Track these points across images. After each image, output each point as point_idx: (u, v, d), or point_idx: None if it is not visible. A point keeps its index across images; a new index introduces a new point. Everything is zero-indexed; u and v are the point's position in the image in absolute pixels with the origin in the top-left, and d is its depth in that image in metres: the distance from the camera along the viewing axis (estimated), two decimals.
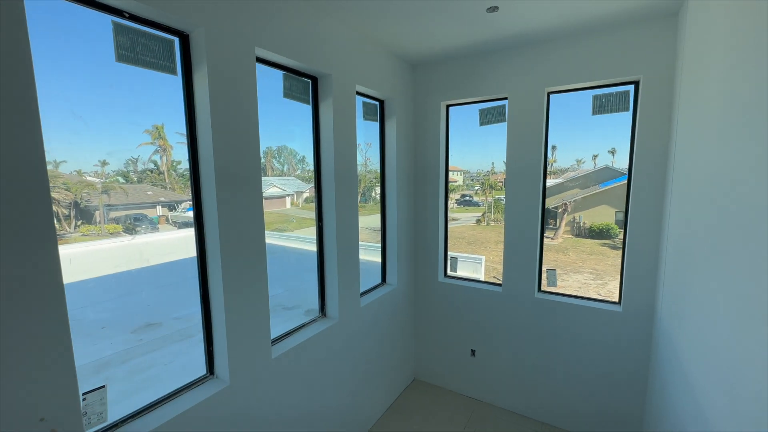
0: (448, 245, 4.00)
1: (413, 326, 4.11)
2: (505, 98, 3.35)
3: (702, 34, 2.06)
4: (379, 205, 3.71)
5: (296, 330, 2.67)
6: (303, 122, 2.78)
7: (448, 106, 3.74)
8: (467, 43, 3.10)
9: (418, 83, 3.74)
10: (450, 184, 3.96)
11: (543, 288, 3.46)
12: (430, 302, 4.00)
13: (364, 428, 3.38)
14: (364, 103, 3.32)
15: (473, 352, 3.79)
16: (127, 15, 1.62)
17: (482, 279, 5.06)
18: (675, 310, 2.32)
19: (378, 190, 3.73)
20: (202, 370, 2.09)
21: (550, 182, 3.27)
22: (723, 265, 1.59)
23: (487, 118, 3.50)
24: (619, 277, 3.14)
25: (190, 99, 1.89)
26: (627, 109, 2.90)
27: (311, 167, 2.85)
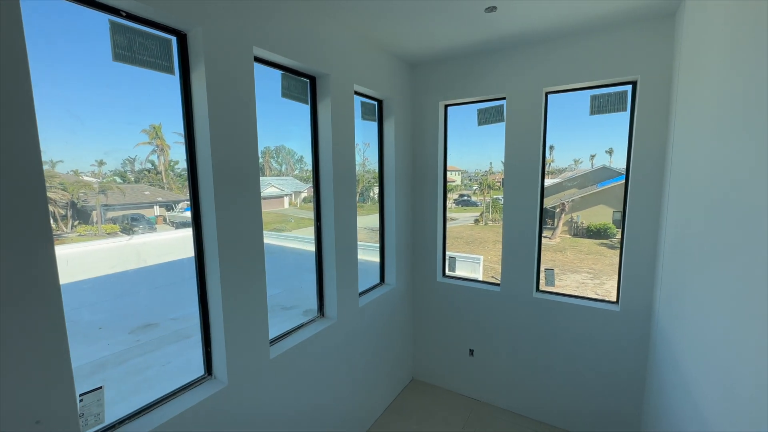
0: (447, 245, 4.01)
1: (411, 326, 4.11)
2: (503, 98, 3.35)
3: (699, 34, 2.06)
4: (377, 204, 3.71)
5: (295, 330, 2.67)
6: (301, 122, 2.77)
7: (446, 106, 3.74)
8: (465, 43, 3.10)
9: (416, 83, 3.74)
10: (448, 183, 3.96)
11: (541, 288, 3.47)
12: (428, 302, 4.00)
13: (363, 428, 3.38)
14: (363, 103, 3.31)
15: (471, 351, 3.79)
16: (124, 14, 1.61)
17: (480, 279, 5.06)
18: (672, 309, 2.33)
19: (376, 189, 3.73)
20: (200, 371, 2.08)
21: (547, 182, 3.28)
22: (720, 264, 1.59)
23: (486, 118, 3.50)
24: (616, 276, 3.15)
25: (187, 98, 1.88)
26: (625, 109, 2.91)
27: (309, 167, 2.85)
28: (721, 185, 1.62)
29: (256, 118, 2.12)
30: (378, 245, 3.75)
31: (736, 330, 1.42)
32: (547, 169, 3.34)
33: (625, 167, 2.99)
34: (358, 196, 3.15)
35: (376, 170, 3.66)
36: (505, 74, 3.27)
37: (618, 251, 3.09)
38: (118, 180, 3.16)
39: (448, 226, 4.02)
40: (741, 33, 1.51)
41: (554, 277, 3.44)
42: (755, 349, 1.25)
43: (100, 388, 1.58)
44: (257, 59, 2.21)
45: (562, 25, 2.77)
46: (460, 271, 4.19)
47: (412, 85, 3.76)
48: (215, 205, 1.90)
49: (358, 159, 3.12)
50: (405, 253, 3.86)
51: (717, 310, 1.61)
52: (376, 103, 3.48)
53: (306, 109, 2.72)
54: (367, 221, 4.10)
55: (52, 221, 1.34)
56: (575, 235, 14.84)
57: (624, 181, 3.00)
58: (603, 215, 14.44)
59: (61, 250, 1.36)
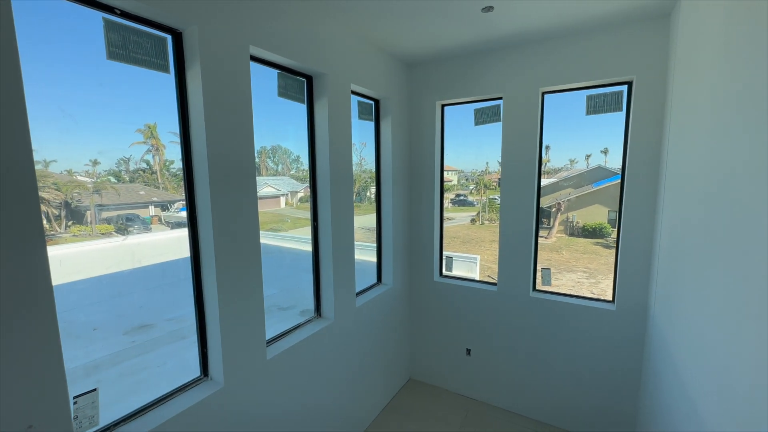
0: (443, 245, 4.01)
1: (409, 326, 4.11)
2: (500, 98, 3.36)
3: (694, 34, 2.08)
4: (374, 204, 3.71)
5: (291, 331, 2.66)
6: (298, 121, 2.76)
7: (443, 106, 3.74)
8: (462, 42, 3.10)
9: (413, 82, 3.74)
10: (445, 183, 3.96)
11: (538, 287, 3.48)
12: (425, 302, 4.00)
13: (360, 428, 3.37)
14: (360, 103, 3.30)
15: (468, 351, 3.79)
16: (118, 12, 1.60)
17: (477, 278, 5.07)
18: (668, 308, 2.34)
19: (373, 189, 3.72)
20: (196, 372, 2.06)
21: (543, 182, 3.30)
22: (715, 263, 1.60)
23: (482, 117, 3.50)
24: (612, 275, 3.17)
25: (183, 98, 1.87)
26: (620, 110, 2.93)
27: (306, 167, 2.84)
28: (716, 185, 1.63)
29: (253, 117, 2.10)
30: (375, 245, 3.74)
31: (731, 328, 1.43)
32: (543, 168, 3.35)
33: (620, 167, 3.00)
34: (354, 196, 3.14)
35: (373, 170, 3.65)
36: (501, 74, 3.27)
37: (613, 250, 3.11)
38: (113, 180, 3.13)
39: (444, 225, 4.02)
40: (735, 33, 1.52)
41: (551, 277, 3.45)
42: (751, 347, 1.26)
43: (95, 390, 1.56)
44: (253, 58, 2.20)
45: (558, 26, 2.78)
46: (457, 271, 4.19)
47: (409, 85, 3.76)
48: (211, 205, 1.89)
49: (354, 159, 3.11)
50: (402, 253, 3.86)
51: (713, 308, 1.62)
52: (372, 102, 3.47)
53: (303, 108, 2.71)
54: (364, 221, 4.10)
55: (45, 221, 1.33)
56: (571, 234, 14.91)
57: (619, 180, 3.02)
58: (598, 215, 14.51)
59: (54, 251, 1.35)
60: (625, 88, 2.89)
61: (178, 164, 1.97)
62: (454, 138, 4.02)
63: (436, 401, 3.82)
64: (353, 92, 3.09)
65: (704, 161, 1.79)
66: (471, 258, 7.77)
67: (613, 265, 3.13)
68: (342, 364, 3.03)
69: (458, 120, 3.95)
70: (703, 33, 1.91)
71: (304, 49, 2.44)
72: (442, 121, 3.76)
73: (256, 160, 2.19)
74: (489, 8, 2.47)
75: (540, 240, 3.44)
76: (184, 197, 1.96)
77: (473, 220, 18.31)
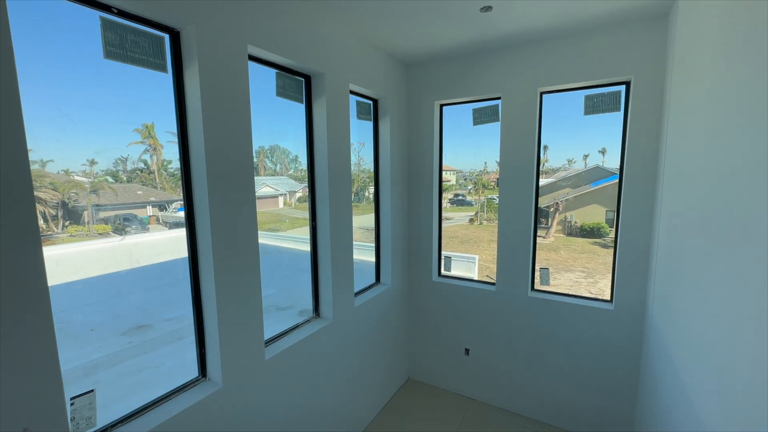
0: (442, 244, 4.01)
1: (407, 326, 4.11)
2: (499, 98, 3.36)
3: (691, 34, 2.08)
4: (372, 204, 3.70)
5: (290, 331, 2.65)
6: (296, 121, 2.75)
7: (441, 106, 3.74)
8: (461, 42, 3.10)
9: (411, 82, 3.74)
10: (443, 183, 3.96)
11: (536, 287, 3.48)
12: (424, 302, 4.00)
13: (359, 428, 3.37)
14: (358, 102, 3.30)
15: (467, 351, 3.80)
16: (115, 10, 1.59)
17: (476, 278, 5.08)
18: (666, 308, 2.35)
19: (371, 189, 3.72)
20: (194, 373, 2.05)
21: (542, 182, 3.30)
22: (713, 262, 1.61)
23: (481, 117, 3.51)
24: (609, 275, 3.18)
25: (181, 97, 1.86)
26: (618, 109, 2.93)
27: (304, 167, 2.83)
28: (714, 184, 1.63)
29: (251, 117, 2.10)
30: (374, 245, 3.74)
31: (730, 328, 1.43)
32: (541, 168, 3.36)
33: (618, 167, 3.01)
34: (353, 196, 3.14)
35: (372, 170, 3.65)
36: (500, 74, 3.28)
37: (611, 250, 3.12)
38: (110, 180, 3.12)
39: (443, 225, 4.02)
40: (733, 33, 1.52)
41: (549, 276, 3.46)
42: (750, 346, 1.26)
43: (92, 391, 1.56)
44: (252, 58, 2.20)
45: (556, 26, 2.79)
46: (456, 271, 4.20)
47: (408, 85, 3.75)
48: (209, 205, 1.88)
49: (353, 158, 3.11)
50: (401, 253, 3.85)
51: (711, 307, 1.62)
52: (371, 102, 3.47)
53: (301, 108, 2.70)
54: (362, 221, 4.09)
55: (42, 222, 1.32)
56: (569, 234, 14.95)
57: (617, 180, 3.03)
58: (596, 214, 14.55)
59: (52, 251, 1.34)
60: (623, 88, 2.90)
61: (175, 164, 1.97)
62: (452, 138, 4.02)
63: (434, 401, 3.82)
64: (352, 92, 3.08)
65: (702, 161, 1.80)
66: (469, 258, 7.78)
67: (611, 265, 3.14)
68: (340, 364, 3.03)
69: (457, 120, 3.95)
70: (701, 33, 1.92)
71: (303, 48, 2.44)
72: (440, 120, 3.76)
73: (255, 159, 2.19)
74: (488, 8, 2.47)
75: (538, 240, 3.45)
76: (181, 197, 1.95)
77: (471, 220, 18.33)
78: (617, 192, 3.01)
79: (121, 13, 1.61)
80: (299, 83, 2.61)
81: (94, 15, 1.53)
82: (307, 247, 2.89)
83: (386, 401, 3.80)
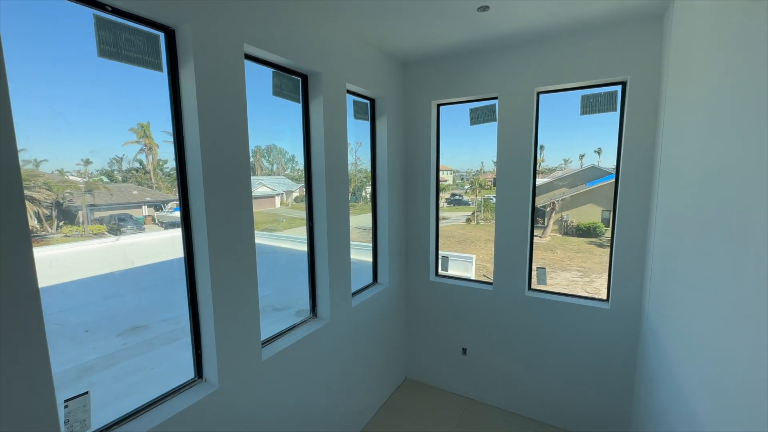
0: (439, 244, 4.01)
1: (405, 326, 4.10)
2: (496, 98, 3.36)
3: (687, 34, 2.09)
4: (369, 204, 3.70)
5: (287, 331, 2.64)
6: (293, 121, 2.74)
7: (438, 105, 3.74)
8: (458, 42, 3.10)
9: (409, 82, 3.74)
10: (440, 183, 3.96)
11: (533, 286, 3.49)
12: (421, 301, 4.00)
13: (356, 428, 3.36)
14: (355, 102, 3.29)
15: (464, 350, 3.80)
16: (109, 8, 1.57)
17: (473, 278, 5.09)
18: (662, 306, 2.36)
19: (368, 189, 3.71)
20: (190, 374, 2.04)
21: (538, 181, 3.31)
22: (709, 262, 1.61)
23: (478, 117, 3.51)
24: (605, 274, 3.19)
25: (176, 96, 1.85)
26: (615, 109, 2.94)
27: (301, 166, 2.82)
28: (710, 184, 1.64)
29: (247, 116, 2.09)
30: (371, 245, 3.73)
31: (726, 326, 1.44)
32: (537, 168, 3.37)
33: (614, 166, 3.02)
34: (350, 196, 3.13)
35: (369, 169, 3.65)
36: (497, 74, 3.28)
37: (606, 249, 3.13)
38: (105, 179, 3.09)
39: (440, 225, 4.02)
40: (728, 33, 1.53)
41: (546, 276, 3.47)
42: (746, 345, 1.27)
43: (86, 393, 1.54)
44: (248, 57, 2.18)
45: (553, 26, 2.79)
46: (453, 271, 4.20)
47: (405, 84, 3.75)
48: (205, 205, 1.87)
49: (350, 158, 3.10)
50: (398, 253, 3.85)
51: (706, 307, 1.63)
52: (368, 102, 3.46)
53: (298, 107, 2.69)
54: (359, 221, 4.09)
55: (36, 222, 1.30)
56: (565, 233, 15.02)
57: (613, 180, 3.04)
58: (592, 214, 14.64)
59: (45, 252, 1.32)
60: (619, 88, 2.91)
61: (171, 164, 1.95)
62: (449, 137, 4.03)
63: (432, 401, 3.82)
64: (349, 91, 3.08)
65: (698, 160, 1.81)
66: (466, 257, 7.79)
67: (607, 264, 3.16)
68: (338, 364, 3.02)
69: (454, 120, 3.95)
70: (697, 33, 1.93)
71: (300, 47, 2.42)
72: (437, 120, 3.77)
73: (251, 159, 2.17)
74: (484, 8, 2.47)
75: (535, 239, 3.46)
76: (177, 197, 1.94)
77: (468, 220, 18.38)
78: (613, 191, 3.02)
79: (116, 11, 1.59)
80: (296, 82, 2.60)
81: (88, 13, 1.51)
82: (304, 247, 2.88)
83: (384, 401, 3.80)
